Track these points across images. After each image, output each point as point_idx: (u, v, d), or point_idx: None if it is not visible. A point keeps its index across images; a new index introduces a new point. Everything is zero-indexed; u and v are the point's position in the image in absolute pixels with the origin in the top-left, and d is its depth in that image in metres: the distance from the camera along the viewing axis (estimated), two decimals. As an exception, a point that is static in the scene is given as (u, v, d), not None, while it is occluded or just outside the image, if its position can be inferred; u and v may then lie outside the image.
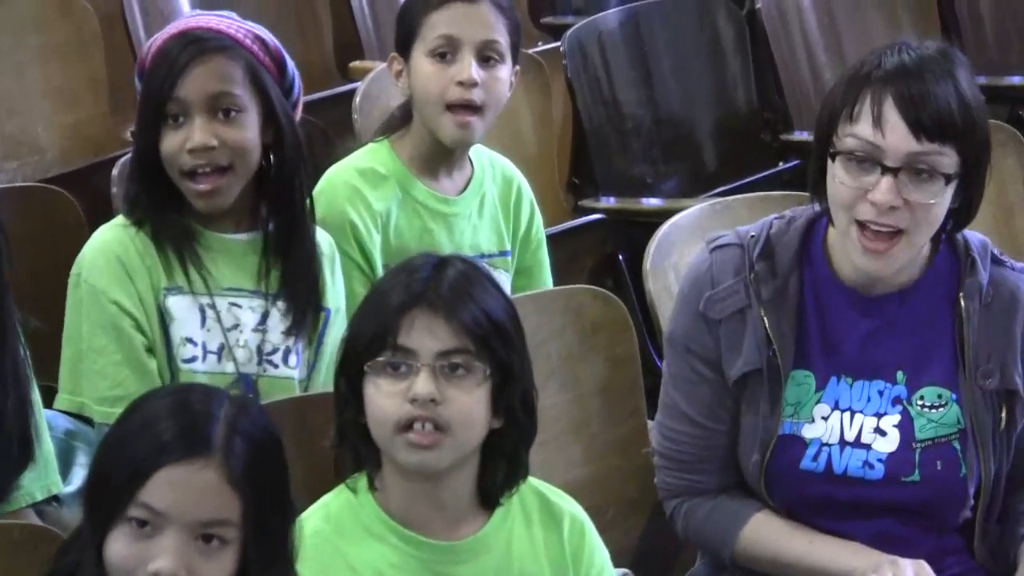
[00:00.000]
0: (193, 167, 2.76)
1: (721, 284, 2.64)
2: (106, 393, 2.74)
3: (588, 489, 2.78)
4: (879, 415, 2.63)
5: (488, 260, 3.08)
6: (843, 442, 2.62)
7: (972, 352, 2.61)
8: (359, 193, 3.04)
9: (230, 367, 2.79)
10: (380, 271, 3.01)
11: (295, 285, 2.83)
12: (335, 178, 3.07)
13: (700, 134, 4.34)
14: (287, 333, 2.83)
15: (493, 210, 3.15)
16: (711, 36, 4.38)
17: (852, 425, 2.62)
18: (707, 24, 4.38)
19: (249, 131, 2.78)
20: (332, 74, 4.54)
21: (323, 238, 2.92)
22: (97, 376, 2.75)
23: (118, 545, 2.05)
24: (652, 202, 4.12)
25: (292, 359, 2.83)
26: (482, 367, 2.29)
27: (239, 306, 2.81)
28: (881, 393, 2.63)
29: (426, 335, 2.28)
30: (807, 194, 2.64)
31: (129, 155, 3.02)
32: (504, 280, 3.11)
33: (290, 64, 2.88)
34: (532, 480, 2.41)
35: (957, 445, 2.62)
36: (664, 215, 3.27)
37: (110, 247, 2.78)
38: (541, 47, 4.32)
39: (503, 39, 3.04)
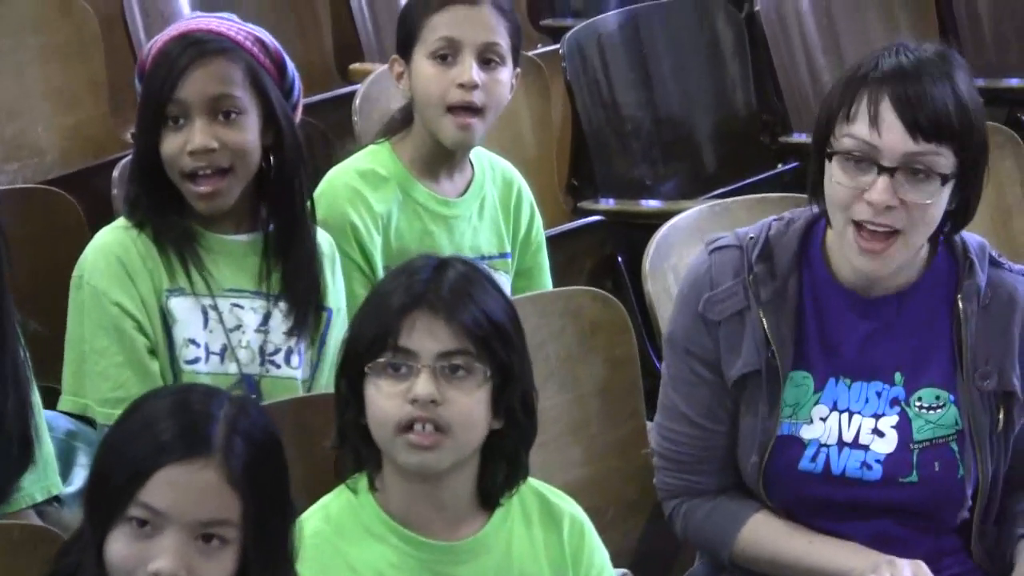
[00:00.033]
0: (194, 169, 2.76)
1: (720, 286, 2.64)
2: (108, 395, 2.74)
3: (587, 490, 2.79)
4: (877, 416, 2.63)
5: (488, 262, 3.08)
6: (841, 443, 2.62)
7: (970, 354, 2.62)
8: (360, 195, 3.04)
9: (233, 368, 2.80)
10: (381, 272, 3.01)
11: (296, 285, 2.83)
12: (336, 180, 3.08)
13: (699, 136, 4.34)
14: (289, 333, 2.83)
15: (493, 212, 3.16)
16: (710, 38, 4.39)
17: (850, 426, 2.63)
18: (706, 26, 4.38)
19: (249, 133, 2.78)
20: (332, 76, 4.54)
21: (323, 238, 2.93)
22: (99, 378, 2.76)
23: (118, 545, 2.05)
24: (651, 204, 4.12)
25: (294, 359, 2.84)
26: (482, 368, 2.30)
27: (241, 307, 2.82)
28: (879, 394, 2.64)
29: (427, 336, 2.29)
30: (806, 196, 2.65)
31: (129, 157, 3.03)
32: (504, 282, 3.11)
33: (290, 66, 2.88)
34: (532, 481, 2.42)
35: (955, 446, 2.63)
36: (663, 217, 3.27)
37: (112, 249, 2.78)
38: (540, 49, 4.32)
39: (504, 41, 3.04)
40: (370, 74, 3.81)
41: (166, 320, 2.78)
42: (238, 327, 2.81)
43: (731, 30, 4.40)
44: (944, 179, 2.53)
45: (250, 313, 2.83)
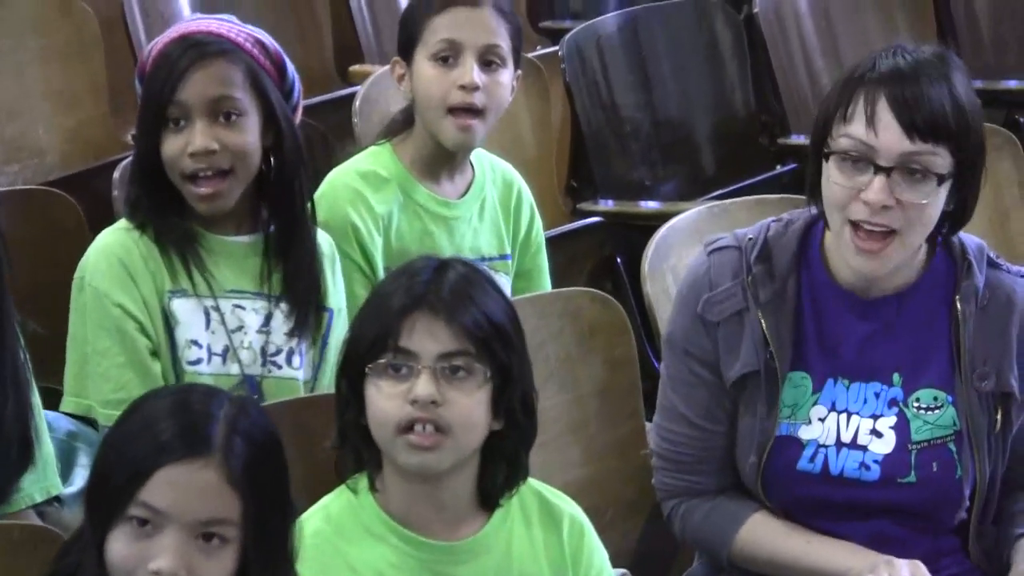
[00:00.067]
0: (194, 171, 2.77)
1: (719, 286, 2.65)
2: (110, 396, 2.75)
3: (586, 490, 2.79)
4: (875, 417, 2.64)
5: (488, 263, 3.09)
6: (839, 443, 2.63)
7: (968, 355, 2.62)
8: (361, 196, 3.05)
9: (235, 369, 2.80)
10: (381, 273, 3.02)
11: (296, 286, 2.84)
12: (337, 181, 3.09)
13: (698, 138, 4.34)
14: (290, 334, 2.84)
15: (494, 213, 3.16)
16: (709, 40, 4.39)
17: (848, 427, 2.63)
18: (705, 28, 4.39)
19: (250, 134, 2.79)
20: (332, 78, 4.54)
21: (323, 239, 2.93)
22: (101, 379, 2.76)
23: (119, 544, 2.06)
24: (650, 205, 4.12)
25: (296, 360, 2.84)
26: (482, 369, 2.31)
27: (243, 308, 2.82)
28: (877, 395, 2.64)
29: (427, 337, 2.30)
30: (804, 197, 2.65)
31: (130, 158, 3.03)
32: (504, 283, 3.12)
33: (290, 67, 2.89)
34: (532, 481, 2.42)
35: (953, 447, 2.63)
36: (662, 218, 3.27)
37: (113, 250, 2.78)
38: (540, 51, 4.32)
39: (505, 43, 3.05)
40: (370, 76, 3.82)
41: (168, 321, 2.78)
42: (240, 328, 2.81)
43: (730, 32, 4.40)
44: (941, 179, 2.54)
45: (252, 314, 2.83)
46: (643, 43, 4.27)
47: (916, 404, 2.64)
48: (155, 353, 2.78)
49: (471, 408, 2.31)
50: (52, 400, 2.78)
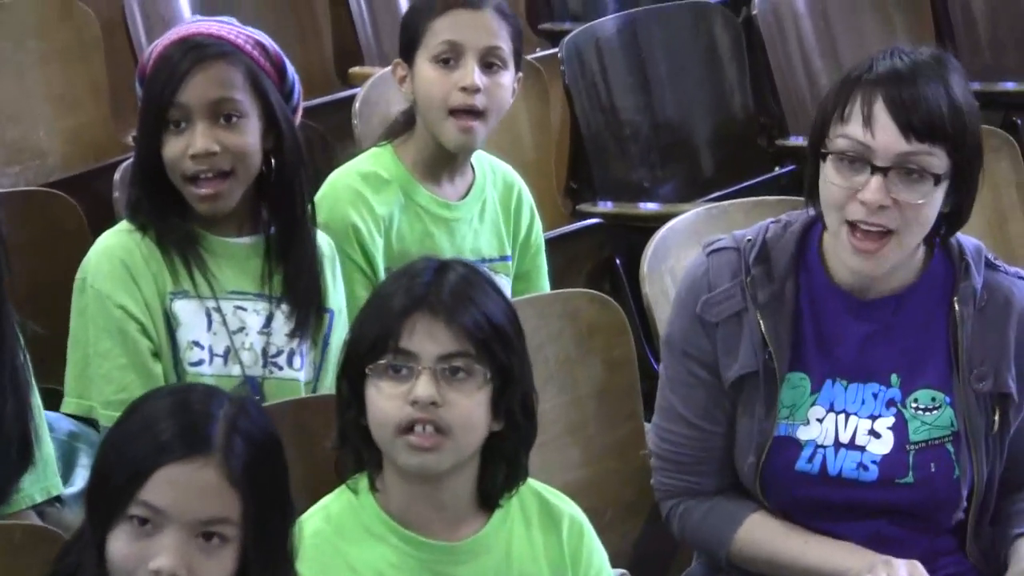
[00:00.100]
0: (195, 172, 2.77)
1: (717, 288, 2.65)
2: (112, 397, 2.75)
3: (586, 491, 2.79)
4: (873, 417, 2.64)
5: (489, 264, 3.09)
6: (838, 444, 2.63)
7: (966, 356, 2.62)
8: (362, 197, 3.06)
9: (236, 370, 2.81)
10: (382, 274, 3.02)
11: (297, 287, 2.84)
12: (338, 182, 3.09)
13: (697, 139, 4.35)
14: (291, 335, 2.84)
15: (494, 215, 3.17)
16: (708, 42, 4.39)
17: (847, 427, 2.64)
18: (704, 30, 4.39)
19: (250, 136, 2.79)
20: (332, 80, 4.54)
21: (323, 240, 2.94)
22: (103, 380, 2.77)
23: (119, 544, 2.06)
24: (649, 206, 4.12)
25: (297, 361, 2.85)
26: (482, 370, 2.31)
27: (244, 309, 2.83)
28: (875, 396, 2.65)
29: (427, 339, 2.30)
30: (803, 199, 2.66)
31: (130, 160, 3.03)
32: (505, 284, 3.13)
33: (290, 69, 2.89)
34: (531, 482, 2.43)
35: (951, 447, 2.64)
36: (661, 219, 3.28)
37: (115, 252, 2.79)
38: (539, 53, 4.32)
39: (506, 45, 3.05)
40: (370, 78, 3.82)
41: (170, 323, 2.79)
42: (241, 329, 2.82)
43: (728, 34, 4.40)
44: (937, 179, 2.54)
45: (253, 315, 2.84)
46: (642, 45, 4.27)
47: (914, 405, 2.64)
48: (157, 354, 2.79)
49: (471, 409, 2.31)
50: (52, 401, 2.78)
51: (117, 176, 3.40)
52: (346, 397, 2.36)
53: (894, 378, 2.65)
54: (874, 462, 2.63)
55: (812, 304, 2.65)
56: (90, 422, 2.82)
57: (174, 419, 2.09)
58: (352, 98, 3.72)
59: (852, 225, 2.55)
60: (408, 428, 2.30)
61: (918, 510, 2.64)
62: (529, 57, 4.00)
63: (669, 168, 4.28)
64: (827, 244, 2.64)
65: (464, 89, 3.01)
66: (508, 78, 3.07)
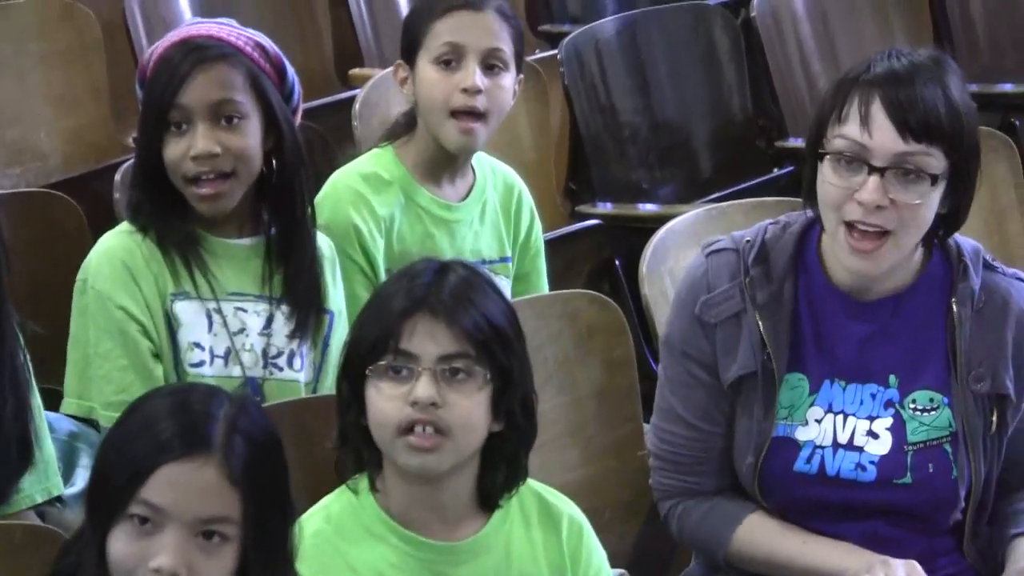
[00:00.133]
0: (197, 174, 2.78)
1: (716, 288, 2.66)
2: (112, 398, 2.76)
3: (585, 491, 2.80)
4: (871, 418, 2.65)
5: (489, 266, 3.08)
6: (836, 444, 2.64)
7: (964, 357, 2.63)
8: (363, 198, 3.06)
9: (236, 371, 2.81)
10: (383, 275, 3.02)
11: (297, 287, 2.85)
12: (339, 183, 3.10)
13: (696, 141, 4.35)
14: (291, 336, 2.85)
15: (494, 217, 3.17)
16: (707, 44, 4.39)
17: (845, 428, 2.64)
18: (703, 32, 4.39)
19: (251, 138, 2.80)
20: (332, 81, 4.54)
21: (323, 241, 2.94)
22: (103, 381, 2.77)
23: (119, 543, 2.06)
24: (648, 208, 4.13)
25: (297, 362, 2.85)
26: (482, 371, 2.31)
27: (244, 310, 2.83)
28: (874, 396, 2.65)
29: (427, 340, 2.31)
30: (801, 200, 2.67)
31: (131, 161, 3.04)
32: (505, 286, 3.13)
33: (290, 70, 2.90)
34: (531, 482, 2.43)
35: (948, 448, 2.64)
36: (660, 220, 3.28)
37: (116, 253, 2.79)
38: (539, 55, 4.33)
39: (507, 47, 3.06)
40: (370, 79, 3.83)
41: (171, 324, 2.79)
42: (242, 330, 2.83)
43: (727, 36, 4.41)
44: (934, 179, 2.55)
45: (253, 316, 2.84)
46: (641, 47, 4.28)
47: (912, 405, 2.65)
48: (157, 355, 2.79)
49: (471, 410, 2.32)
50: (53, 401, 2.78)
51: (118, 177, 3.41)
52: (346, 398, 2.36)
53: (892, 379, 2.65)
54: (872, 463, 2.63)
55: (811, 305, 2.66)
56: (90, 423, 2.82)
57: (174, 418, 2.09)
58: (352, 99, 3.72)
59: (849, 225, 2.56)
60: (408, 429, 2.31)
61: (916, 510, 2.65)
62: (528, 59, 4.01)
63: (668, 169, 4.29)
64: (825, 245, 2.65)
65: (465, 91, 3.02)
66: (509, 80, 3.08)
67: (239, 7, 4.26)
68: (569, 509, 2.46)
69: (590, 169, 4.14)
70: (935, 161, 2.54)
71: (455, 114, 3.03)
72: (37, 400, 2.55)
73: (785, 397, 2.64)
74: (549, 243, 3.32)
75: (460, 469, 2.35)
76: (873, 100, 2.53)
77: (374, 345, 2.32)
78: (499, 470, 2.38)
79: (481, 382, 2.32)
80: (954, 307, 2.64)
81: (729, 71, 4.39)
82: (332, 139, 3.69)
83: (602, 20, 4.34)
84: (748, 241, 2.67)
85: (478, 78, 3.03)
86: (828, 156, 2.57)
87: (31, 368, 2.53)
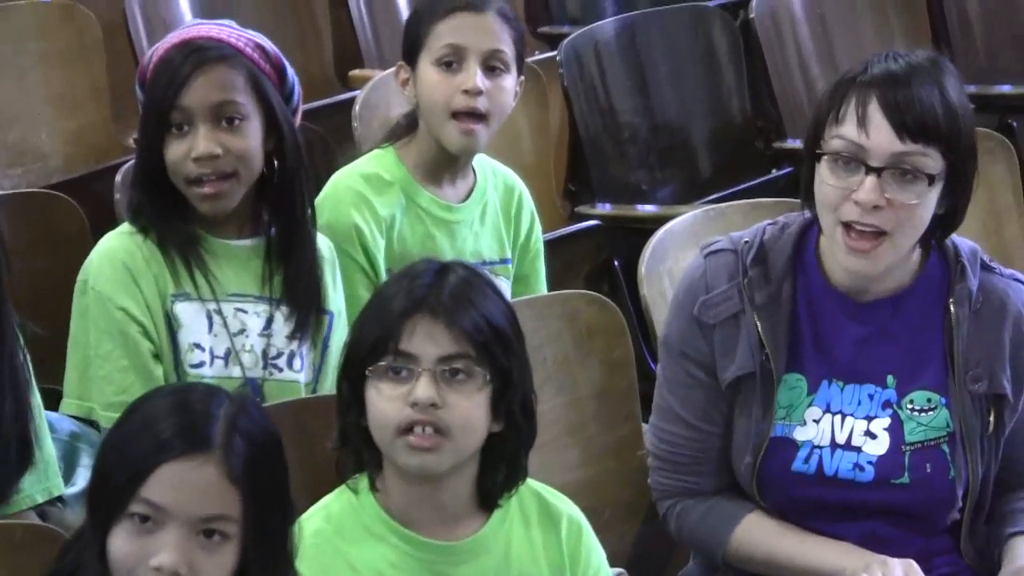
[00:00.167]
0: (199, 175, 2.78)
1: (715, 289, 2.66)
2: (112, 399, 2.76)
3: (584, 491, 2.80)
4: (869, 418, 2.65)
5: (489, 267, 3.09)
6: (834, 445, 2.64)
7: (962, 357, 2.63)
8: (364, 198, 3.07)
9: (236, 372, 2.81)
10: (384, 275, 3.03)
11: (296, 288, 2.85)
12: (340, 183, 3.10)
13: (695, 142, 4.36)
14: (291, 337, 2.85)
15: (495, 218, 3.18)
16: (706, 46, 4.40)
17: (843, 428, 2.65)
18: (702, 34, 4.40)
19: (252, 139, 2.80)
20: (332, 82, 4.55)
21: (323, 243, 2.95)
22: (104, 382, 2.78)
23: (120, 541, 2.07)
24: (647, 208, 4.13)
25: (297, 363, 2.86)
26: (482, 372, 2.32)
27: (245, 311, 2.84)
28: (871, 397, 2.66)
29: (427, 340, 2.31)
30: (799, 200, 2.68)
31: (132, 161, 3.04)
32: (505, 287, 3.13)
33: (290, 71, 2.90)
34: (530, 482, 2.44)
35: (946, 448, 2.65)
36: (659, 221, 3.28)
37: (117, 254, 2.80)
38: (538, 56, 4.33)
39: (508, 49, 3.07)
40: (370, 80, 3.83)
41: (171, 325, 2.80)
42: (242, 331, 2.83)
43: (726, 37, 4.41)
44: (931, 180, 2.55)
45: (253, 317, 2.84)
46: (640, 48, 4.28)
47: (910, 406, 2.65)
48: (157, 356, 2.80)
49: (471, 411, 2.32)
50: (53, 401, 2.78)
51: (118, 178, 3.41)
52: (347, 398, 2.37)
53: (890, 379, 2.66)
54: (870, 463, 2.64)
55: (809, 306, 2.66)
56: (91, 423, 2.83)
57: (174, 418, 2.10)
58: (352, 101, 3.72)
59: (847, 226, 2.56)
60: (408, 429, 2.31)
61: (914, 510, 2.65)
62: (528, 60, 4.01)
63: (667, 170, 4.29)
64: (823, 246, 2.65)
65: (466, 92, 3.03)
66: (510, 81, 3.09)
67: (239, 8, 4.27)
68: (568, 509, 2.47)
69: (589, 170, 4.15)
70: (932, 161, 2.55)
71: (456, 115, 3.04)
72: (37, 400, 2.55)
73: (783, 397, 2.65)
74: (548, 244, 3.32)
75: (460, 469, 2.36)
76: (870, 100, 2.54)
77: (374, 346, 2.33)
78: (499, 470, 2.39)
79: (481, 383, 2.33)
80: (952, 308, 2.65)
81: (728, 72, 4.40)
82: (332, 140, 3.70)
83: (601, 22, 4.34)
84: (746, 242, 2.67)
85: (479, 79, 3.03)
86: (825, 157, 2.57)
87: (31, 368, 2.53)
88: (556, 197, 4.09)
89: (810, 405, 2.66)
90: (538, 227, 3.26)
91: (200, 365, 2.80)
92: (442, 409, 2.31)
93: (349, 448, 2.39)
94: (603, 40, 4.22)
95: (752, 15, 4.38)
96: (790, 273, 2.65)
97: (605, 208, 4.08)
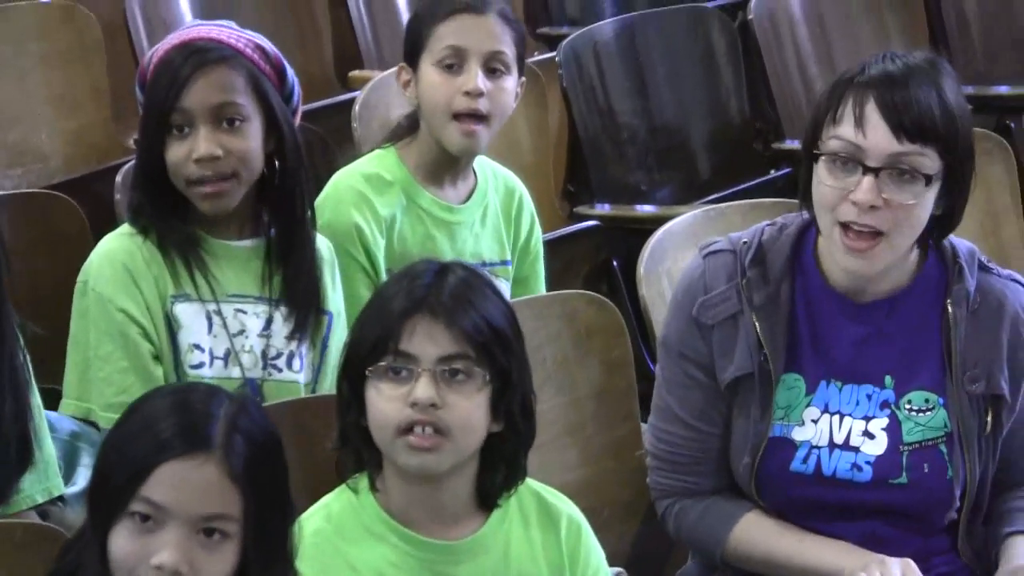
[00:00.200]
0: (200, 177, 2.78)
1: (714, 290, 2.66)
2: (112, 400, 2.76)
3: (583, 491, 2.80)
4: (867, 418, 2.66)
5: (489, 269, 3.09)
6: (832, 445, 2.65)
7: (959, 358, 2.64)
8: (365, 198, 3.07)
9: (236, 372, 2.82)
10: (384, 275, 3.03)
11: (296, 288, 2.86)
12: (341, 183, 3.11)
13: (693, 143, 4.36)
14: (290, 337, 2.85)
15: (495, 220, 3.18)
16: (704, 47, 4.40)
17: (841, 428, 2.65)
18: (700, 35, 4.40)
19: (253, 140, 2.81)
20: (332, 83, 4.55)
21: (322, 243, 2.95)
22: (103, 383, 2.78)
23: (121, 541, 2.07)
24: (646, 209, 4.13)
25: (296, 363, 2.86)
26: (482, 373, 2.32)
27: (244, 312, 2.84)
28: (870, 397, 2.66)
29: (427, 341, 2.31)
30: (798, 201, 2.69)
31: (132, 162, 3.04)
32: (505, 288, 3.14)
33: (289, 71, 2.90)
34: (530, 481, 2.44)
35: (944, 448, 2.65)
36: (658, 222, 3.29)
37: (117, 255, 2.80)
38: (537, 57, 4.34)
39: (509, 50, 3.07)
40: (369, 81, 3.84)
41: (171, 325, 2.80)
42: (241, 332, 2.83)
43: (725, 39, 4.42)
44: (928, 180, 2.56)
45: (253, 318, 2.85)
46: (639, 49, 4.29)
47: (908, 406, 2.66)
48: (157, 357, 2.80)
49: (470, 411, 2.32)
50: (53, 401, 2.78)
51: (119, 178, 3.41)
52: (347, 398, 2.37)
53: (888, 380, 2.66)
54: (868, 463, 2.64)
55: (807, 306, 2.67)
56: (91, 422, 2.83)
57: (175, 417, 2.10)
58: (352, 101, 3.73)
59: (844, 226, 2.57)
60: (408, 429, 2.31)
61: (911, 510, 2.65)
62: (527, 61, 4.02)
63: (666, 171, 4.30)
64: (822, 247, 2.66)
65: (467, 93, 3.03)
66: (511, 83, 3.09)
67: (239, 9, 4.27)
68: (568, 508, 2.47)
69: (588, 171, 4.15)
70: (929, 161, 2.56)
71: (457, 117, 3.04)
72: (37, 400, 2.56)
73: (782, 398, 2.65)
74: (547, 244, 3.32)
75: (459, 469, 2.36)
76: (867, 101, 2.55)
77: (374, 346, 2.33)
78: (498, 470, 2.39)
79: (480, 383, 2.33)
80: (949, 308, 2.65)
81: (726, 74, 4.40)
82: (332, 141, 3.70)
83: (600, 23, 4.34)
84: (745, 242, 2.68)
85: (480, 81, 3.04)
86: (823, 157, 2.58)
87: (31, 368, 2.53)
88: (555, 197, 4.09)
89: (808, 405, 2.66)
90: (538, 230, 3.26)
91: (200, 366, 2.81)
92: (442, 409, 2.31)
93: (349, 448, 2.39)
94: (602, 41, 4.22)
95: (750, 16, 4.39)
96: (788, 274, 2.66)
97: (604, 208, 4.08)
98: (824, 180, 2.58)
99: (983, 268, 2.69)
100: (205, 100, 2.77)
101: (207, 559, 2.08)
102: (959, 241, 2.70)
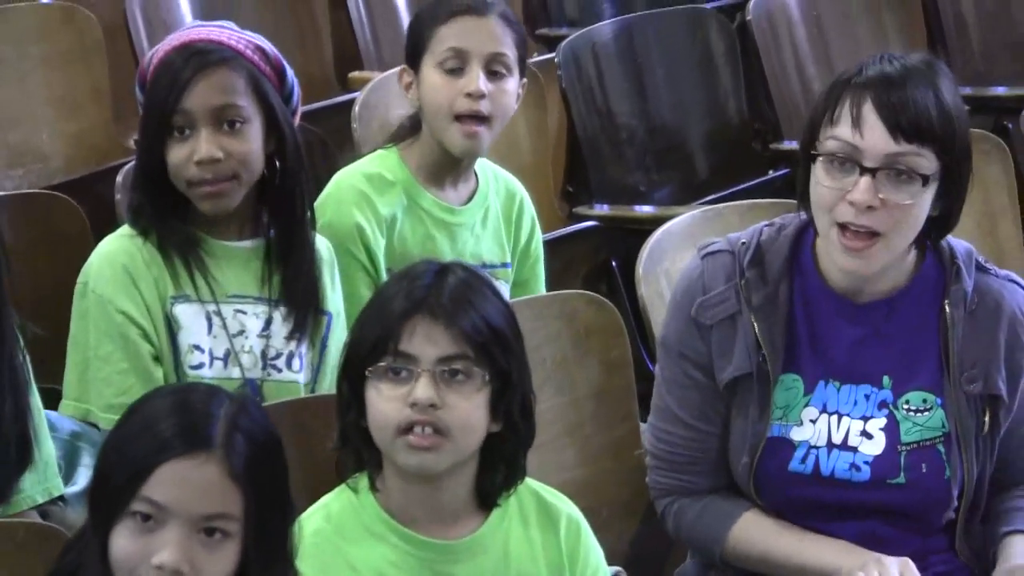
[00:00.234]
0: (201, 178, 2.79)
1: (712, 290, 2.67)
2: (112, 400, 2.77)
3: (582, 491, 2.80)
4: (866, 418, 2.66)
5: (489, 270, 3.09)
6: (830, 445, 2.65)
7: (957, 358, 2.64)
8: (366, 197, 3.08)
9: (236, 373, 2.82)
10: (385, 275, 3.03)
11: (295, 288, 2.86)
12: (343, 183, 3.11)
13: (692, 143, 4.36)
14: (290, 337, 2.86)
15: (496, 222, 3.18)
16: (703, 48, 4.41)
17: (839, 428, 2.65)
18: (699, 36, 4.41)
19: (254, 142, 2.81)
20: (331, 84, 4.55)
21: (322, 244, 2.95)
22: (103, 384, 2.78)
23: (122, 540, 2.07)
24: (645, 209, 4.14)
25: (296, 363, 2.87)
26: (481, 373, 2.33)
27: (244, 312, 2.84)
28: (868, 397, 2.66)
29: (426, 341, 2.32)
30: (796, 202, 2.69)
31: (133, 163, 3.04)
32: (505, 290, 3.14)
33: (289, 72, 2.90)
34: (529, 481, 2.44)
35: (942, 448, 2.66)
36: (657, 222, 3.29)
37: (117, 257, 2.80)
38: (536, 58, 4.34)
39: (511, 52, 3.08)
40: (369, 82, 3.84)
41: (171, 326, 2.80)
42: (241, 332, 2.84)
43: (723, 40, 4.42)
44: (926, 180, 2.56)
45: (252, 318, 2.85)
46: (638, 50, 4.29)
47: (906, 406, 2.66)
48: (157, 358, 2.80)
49: (470, 411, 2.33)
50: (53, 401, 2.78)
51: (119, 179, 3.41)
52: (347, 398, 2.37)
53: (886, 380, 2.67)
54: (866, 463, 2.65)
55: (806, 307, 2.67)
56: (91, 423, 2.84)
57: (175, 417, 2.10)
58: (351, 102, 3.73)
59: (842, 226, 2.57)
60: (407, 429, 2.32)
61: (910, 510, 2.66)
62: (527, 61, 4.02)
63: (665, 172, 4.30)
64: (820, 247, 2.66)
65: (469, 95, 3.03)
66: (513, 84, 3.10)
67: (239, 10, 4.27)
68: (567, 508, 2.48)
69: (587, 171, 4.15)
70: (926, 162, 2.56)
71: (459, 118, 3.05)
72: (37, 400, 2.56)
73: (780, 398, 2.66)
74: (547, 244, 3.32)
75: (459, 469, 2.37)
76: (865, 101, 2.55)
77: (374, 346, 2.33)
78: (498, 470, 2.39)
79: (480, 383, 2.33)
80: (947, 309, 2.65)
81: (725, 74, 4.41)
82: (331, 142, 3.70)
83: (599, 24, 4.35)
84: (744, 243, 2.68)
85: (482, 83, 3.05)
86: (821, 158, 2.59)
87: (31, 368, 2.53)
88: (554, 198, 4.10)
89: (807, 405, 2.67)
90: (538, 233, 3.27)
91: (200, 366, 2.81)
92: (441, 409, 2.31)
93: (349, 448, 2.39)
94: (601, 42, 4.22)
95: (749, 17, 4.39)
96: (787, 274, 2.66)
97: (603, 209, 4.09)
98: (821, 180, 2.58)
99: (981, 269, 2.69)
100: (206, 102, 2.77)
101: (208, 558, 2.08)
102: (957, 242, 2.70)
